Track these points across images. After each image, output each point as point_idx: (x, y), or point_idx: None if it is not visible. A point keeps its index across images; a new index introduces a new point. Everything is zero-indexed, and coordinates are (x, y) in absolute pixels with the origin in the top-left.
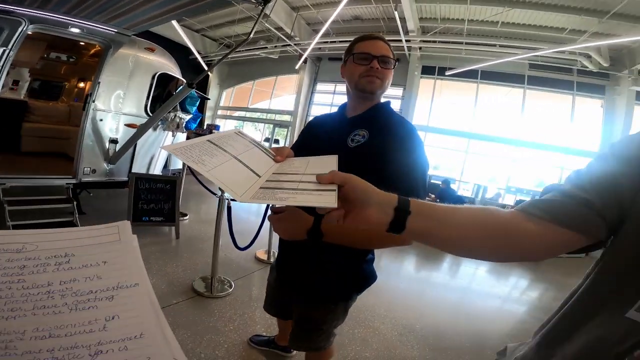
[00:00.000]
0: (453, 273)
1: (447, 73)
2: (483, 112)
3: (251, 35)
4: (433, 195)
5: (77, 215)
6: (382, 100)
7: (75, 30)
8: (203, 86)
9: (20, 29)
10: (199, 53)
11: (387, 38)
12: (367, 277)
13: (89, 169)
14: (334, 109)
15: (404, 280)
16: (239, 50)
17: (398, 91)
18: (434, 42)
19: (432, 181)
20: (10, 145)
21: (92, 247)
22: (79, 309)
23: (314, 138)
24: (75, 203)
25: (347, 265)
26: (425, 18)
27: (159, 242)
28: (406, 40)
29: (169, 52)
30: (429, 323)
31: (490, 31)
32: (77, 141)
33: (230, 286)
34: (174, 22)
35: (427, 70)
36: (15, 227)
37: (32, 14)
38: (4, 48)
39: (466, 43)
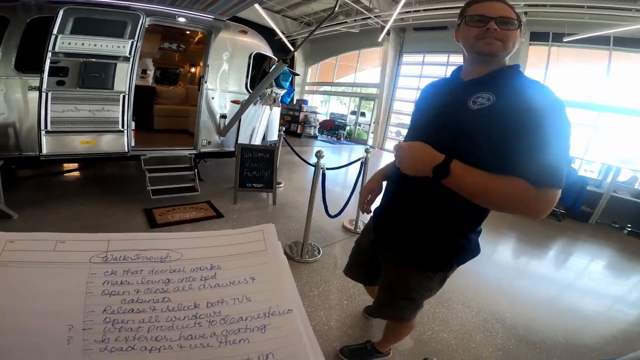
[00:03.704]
0: (559, 264)
1: (566, 39)
2: (617, 82)
3: (336, 9)
4: None
5: (197, 181)
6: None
7: (182, 19)
8: (290, 64)
9: (140, 22)
10: (282, 33)
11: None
12: (472, 249)
13: (205, 141)
14: (423, 80)
15: (498, 266)
16: (320, 27)
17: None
18: (544, 5)
19: None
20: (146, 124)
21: (238, 257)
22: (229, 342)
23: (428, 105)
24: (196, 171)
25: (455, 232)
26: None
27: (259, 207)
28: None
29: None
30: (520, 313)
31: None
32: (196, 117)
33: (319, 252)
34: (257, 6)
35: (538, 37)
36: (154, 191)
37: (145, 7)
38: (132, 40)
39: (588, 7)
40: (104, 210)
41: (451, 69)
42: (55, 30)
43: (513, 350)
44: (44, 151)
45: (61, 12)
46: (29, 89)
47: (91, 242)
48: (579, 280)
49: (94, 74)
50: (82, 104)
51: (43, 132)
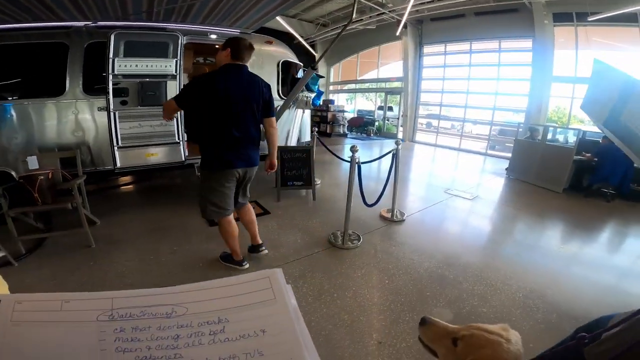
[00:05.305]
0: (613, 248)
1: (590, 19)
2: None
3: (354, 15)
4: (589, 155)
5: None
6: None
7: (213, 36)
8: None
9: (179, 42)
10: (300, 37)
11: None
12: (208, 160)
13: None
14: (447, 70)
15: (543, 253)
16: (335, 27)
17: (527, 43)
18: None
19: (588, 138)
20: (195, 137)
21: (245, 308)
22: None
23: None
24: None
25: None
26: None
27: (300, 203)
28: None
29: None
30: (564, 290)
31: None
32: None
33: (359, 240)
34: None
35: (562, 17)
36: None
37: (181, 27)
38: (175, 59)
39: None
40: (168, 214)
41: (475, 56)
42: (111, 54)
43: (555, 324)
44: (118, 164)
45: (112, 37)
46: (97, 110)
47: (95, 300)
48: (637, 263)
49: (150, 93)
50: (144, 120)
51: (116, 148)
